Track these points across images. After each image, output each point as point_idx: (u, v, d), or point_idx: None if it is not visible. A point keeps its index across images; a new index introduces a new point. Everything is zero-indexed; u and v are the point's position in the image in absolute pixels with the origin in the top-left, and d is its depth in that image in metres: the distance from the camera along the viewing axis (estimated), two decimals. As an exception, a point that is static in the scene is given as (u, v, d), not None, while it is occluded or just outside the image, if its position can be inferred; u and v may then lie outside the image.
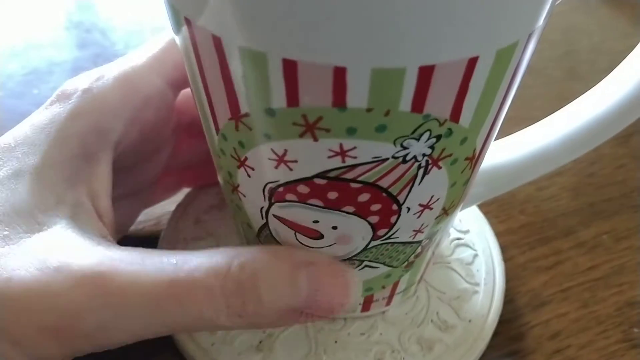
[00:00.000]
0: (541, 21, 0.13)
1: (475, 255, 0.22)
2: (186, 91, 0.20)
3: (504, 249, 0.22)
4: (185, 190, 0.24)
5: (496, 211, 0.25)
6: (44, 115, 0.17)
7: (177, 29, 0.14)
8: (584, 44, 0.35)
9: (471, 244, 0.22)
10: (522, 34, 0.12)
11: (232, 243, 0.22)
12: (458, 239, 0.22)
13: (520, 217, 0.25)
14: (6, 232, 0.15)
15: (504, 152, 0.19)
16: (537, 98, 0.30)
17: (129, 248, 0.16)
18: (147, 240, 0.23)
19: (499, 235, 0.23)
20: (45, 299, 0.14)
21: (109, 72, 0.17)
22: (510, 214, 0.25)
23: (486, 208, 0.24)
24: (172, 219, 0.23)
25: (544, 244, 0.24)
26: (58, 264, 0.14)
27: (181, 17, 0.13)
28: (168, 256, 0.15)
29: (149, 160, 0.20)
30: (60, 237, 0.15)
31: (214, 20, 0.12)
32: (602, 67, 0.33)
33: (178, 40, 0.14)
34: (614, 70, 0.18)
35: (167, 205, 0.24)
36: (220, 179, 0.18)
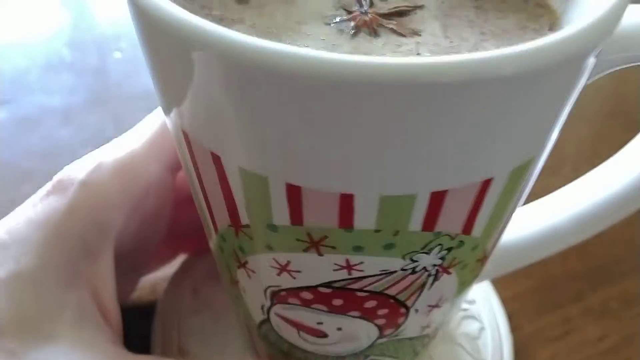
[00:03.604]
0: (555, 135, 0.12)
1: (482, 329, 0.21)
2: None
3: (510, 317, 0.22)
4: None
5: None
6: (40, 210, 0.16)
7: (176, 138, 0.13)
8: (587, 87, 0.34)
9: (477, 315, 0.22)
10: (537, 151, 0.12)
11: (230, 317, 0.21)
12: (464, 309, 0.22)
13: (527, 281, 0.24)
14: (12, 346, 0.14)
15: (512, 231, 0.18)
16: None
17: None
18: (143, 310, 0.22)
19: (505, 301, 0.22)
20: None
21: (106, 160, 0.16)
22: (516, 278, 0.24)
23: (492, 272, 0.23)
24: (168, 290, 0.22)
25: (551, 310, 0.23)
26: None
27: (178, 128, 0.12)
28: None
29: (147, 241, 0.19)
30: (69, 352, 0.14)
31: (212, 139, 0.11)
32: (608, 111, 0.32)
33: (175, 142, 0.14)
34: (627, 145, 0.18)
35: (162, 270, 0.23)
36: (219, 269, 0.17)
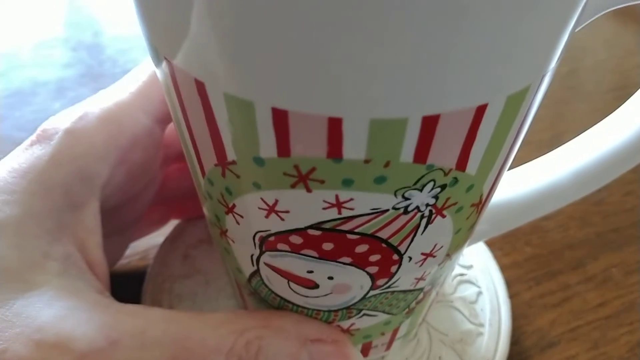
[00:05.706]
0: (554, 62, 0.12)
1: (480, 293, 0.21)
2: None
3: (509, 284, 0.21)
4: (173, 222, 0.23)
5: (500, 243, 0.24)
6: (24, 158, 0.15)
7: (158, 67, 0.13)
8: (588, 61, 0.34)
9: (475, 280, 0.21)
10: (535, 77, 0.11)
11: (221, 281, 0.21)
12: (461, 274, 0.21)
13: (526, 249, 0.23)
14: None
15: (511, 187, 0.18)
16: (539, 120, 0.29)
17: (130, 309, 0.15)
18: (134, 276, 0.22)
19: (503, 269, 0.22)
20: None
21: (92, 110, 0.16)
22: (515, 246, 0.24)
23: (490, 240, 0.23)
24: (159, 255, 0.22)
25: (550, 278, 0.22)
26: (56, 338, 0.13)
27: (161, 57, 0.12)
28: (171, 324, 0.14)
29: (135, 199, 0.19)
30: (53, 300, 0.14)
31: (196, 64, 0.11)
32: (608, 86, 0.32)
33: (160, 78, 0.13)
34: (629, 99, 0.17)
35: (154, 238, 0.23)
36: (207, 221, 0.16)
